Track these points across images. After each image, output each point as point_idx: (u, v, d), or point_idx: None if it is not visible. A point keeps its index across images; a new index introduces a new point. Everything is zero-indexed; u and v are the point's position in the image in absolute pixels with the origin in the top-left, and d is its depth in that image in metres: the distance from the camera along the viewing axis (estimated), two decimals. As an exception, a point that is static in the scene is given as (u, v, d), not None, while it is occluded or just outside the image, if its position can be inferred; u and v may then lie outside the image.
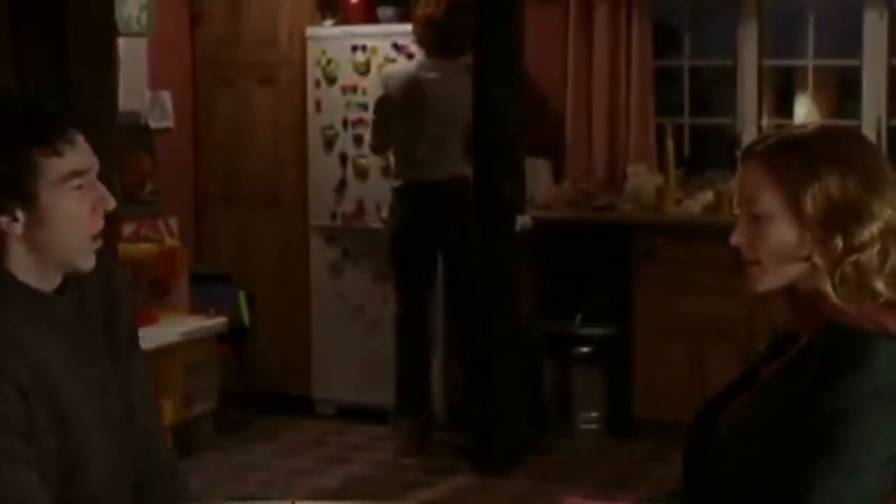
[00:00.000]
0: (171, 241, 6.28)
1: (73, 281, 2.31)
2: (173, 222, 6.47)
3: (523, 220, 5.79)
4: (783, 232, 2.16)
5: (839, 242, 2.12)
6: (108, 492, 2.29)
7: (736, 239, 2.21)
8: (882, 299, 2.13)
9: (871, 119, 6.34)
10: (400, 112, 5.95)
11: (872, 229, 2.12)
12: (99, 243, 2.29)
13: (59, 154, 2.21)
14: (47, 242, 2.23)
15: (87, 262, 2.28)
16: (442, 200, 5.91)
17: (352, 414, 6.55)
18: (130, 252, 5.43)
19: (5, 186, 2.19)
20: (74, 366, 2.26)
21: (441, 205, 5.91)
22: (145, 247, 6.04)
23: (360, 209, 6.52)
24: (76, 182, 2.23)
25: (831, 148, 2.17)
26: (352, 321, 6.58)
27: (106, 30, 3.87)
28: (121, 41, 5.83)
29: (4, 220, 2.21)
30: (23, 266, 2.24)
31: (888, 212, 2.13)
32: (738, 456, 2.19)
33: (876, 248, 2.12)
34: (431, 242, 5.97)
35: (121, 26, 5.93)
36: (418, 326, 6.10)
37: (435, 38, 5.88)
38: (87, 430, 2.25)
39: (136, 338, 2.47)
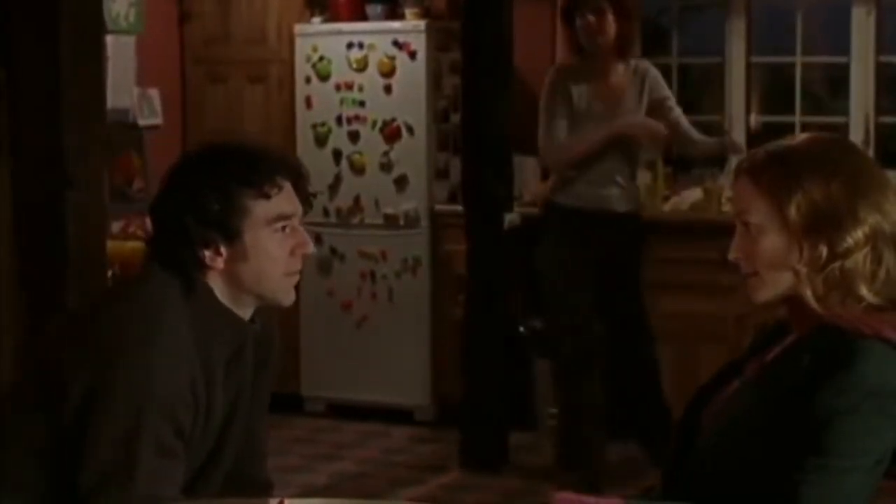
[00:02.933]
0: (159, 239, 6.25)
1: (258, 315, 2.50)
2: (162, 220, 6.45)
3: (511, 218, 5.79)
4: (774, 242, 2.18)
5: (824, 249, 2.14)
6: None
7: (733, 254, 2.25)
8: (864, 304, 2.14)
9: (858, 116, 6.35)
10: None
11: (858, 234, 2.14)
12: (296, 279, 2.48)
13: (266, 198, 2.38)
14: (245, 277, 2.41)
15: (287, 297, 2.48)
16: None
17: (341, 411, 6.55)
18: (119, 249, 5.41)
19: (214, 223, 2.36)
20: (232, 380, 2.45)
21: None
22: (134, 244, 6.01)
23: (358, 204, 6.53)
24: (280, 225, 2.41)
25: (814, 155, 2.20)
26: (340, 319, 6.59)
27: (94, 27, 3.86)
28: (109, 38, 5.82)
29: (209, 253, 2.37)
30: (219, 295, 2.42)
31: (876, 216, 2.15)
32: (721, 453, 2.20)
33: (863, 253, 2.14)
34: None
35: (109, 23, 5.91)
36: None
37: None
38: (223, 440, 2.47)
39: (274, 362, 2.69)
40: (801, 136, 2.32)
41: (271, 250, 2.41)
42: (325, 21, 6.61)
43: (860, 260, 2.14)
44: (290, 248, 2.43)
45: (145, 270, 2.49)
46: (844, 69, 6.41)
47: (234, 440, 2.52)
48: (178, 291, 2.38)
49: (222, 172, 2.39)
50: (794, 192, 2.15)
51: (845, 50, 6.39)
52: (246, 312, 2.47)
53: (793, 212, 2.15)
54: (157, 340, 2.29)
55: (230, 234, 2.37)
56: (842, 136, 5.39)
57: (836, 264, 2.13)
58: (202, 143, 2.53)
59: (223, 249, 2.38)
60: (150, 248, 2.50)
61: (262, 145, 2.51)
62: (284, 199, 2.42)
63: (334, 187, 6.56)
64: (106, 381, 2.25)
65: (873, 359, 2.10)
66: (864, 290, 2.14)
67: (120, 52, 6.23)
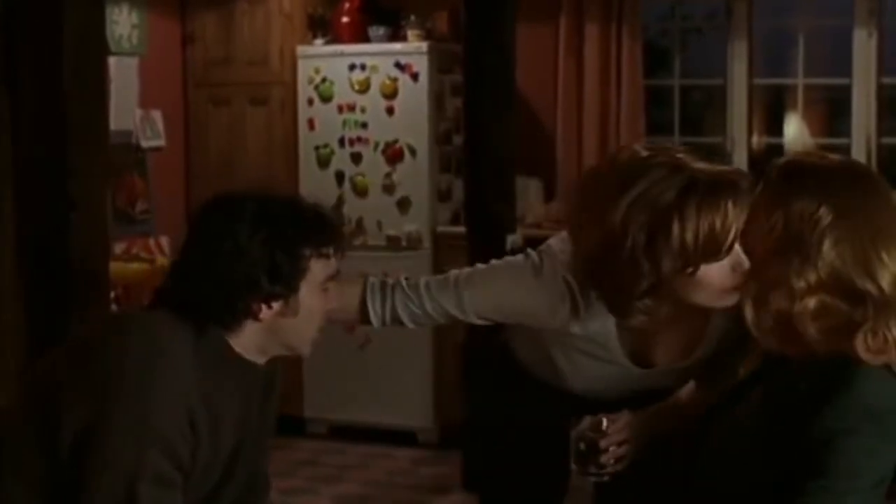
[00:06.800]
0: (162, 261, 6.27)
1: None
2: (165, 241, 6.47)
3: (514, 240, 5.79)
4: (761, 257, 2.20)
5: (802, 276, 2.14)
6: None
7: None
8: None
9: (860, 137, 6.37)
10: None
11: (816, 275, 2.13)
12: (321, 334, 2.52)
13: (326, 258, 2.44)
14: (286, 330, 2.44)
15: (310, 349, 2.53)
16: None
17: (344, 433, 6.54)
18: (122, 271, 5.43)
19: (279, 281, 2.37)
20: (237, 419, 2.46)
21: None
22: (137, 266, 6.04)
23: (360, 226, 6.54)
24: (328, 284, 2.46)
25: (803, 181, 2.18)
26: (343, 340, 6.58)
27: (97, 49, 3.87)
28: (112, 60, 5.84)
29: (263, 305, 2.39)
30: (248, 342, 2.44)
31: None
32: (724, 476, 2.19)
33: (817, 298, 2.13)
34: None
35: (112, 45, 5.94)
36: None
37: None
38: (228, 474, 2.48)
39: (277, 394, 2.73)
40: (816, 153, 2.33)
41: (316, 308, 2.45)
42: (328, 43, 6.63)
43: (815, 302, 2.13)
44: (329, 305, 2.48)
45: (151, 307, 2.46)
46: (846, 91, 6.43)
47: (240, 473, 2.52)
48: (185, 332, 2.37)
49: (293, 233, 2.40)
50: (780, 209, 2.16)
51: (847, 72, 6.41)
52: (264, 358, 2.50)
53: (777, 227, 2.16)
54: (157, 376, 2.28)
55: (291, 291, 2.40)
56: (848, 158, 5.40)
57: (816, 296, 2.13)
58: (251, 194, 2.47)
59: (275, 304, 2.40)
60: (165, 290, 2.45)
61: (312, 199, 2.51)
62: (335, 260, 2.47)
63: (337, 209, 6.57)
64: (104, 417, 2.25)
65: (870, 381, 2.10)
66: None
67: (123, 74, 6.25)
